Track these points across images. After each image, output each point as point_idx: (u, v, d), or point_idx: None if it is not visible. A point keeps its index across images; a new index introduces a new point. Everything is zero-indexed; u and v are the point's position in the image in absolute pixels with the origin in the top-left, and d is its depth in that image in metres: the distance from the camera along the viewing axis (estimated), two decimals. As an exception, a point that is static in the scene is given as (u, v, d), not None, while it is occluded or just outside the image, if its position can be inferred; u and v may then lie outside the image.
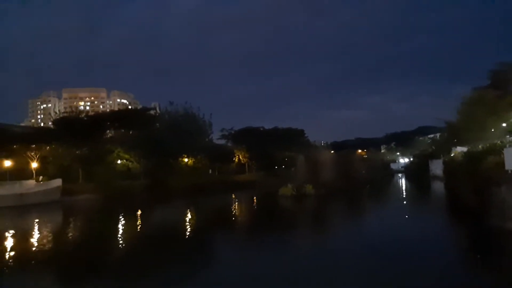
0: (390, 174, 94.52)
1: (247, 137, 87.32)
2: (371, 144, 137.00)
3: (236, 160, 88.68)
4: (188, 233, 23.81)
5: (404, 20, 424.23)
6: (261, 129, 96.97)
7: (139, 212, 36.37)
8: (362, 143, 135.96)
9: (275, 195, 42.40)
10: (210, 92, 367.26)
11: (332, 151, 76.76)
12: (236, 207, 39.35)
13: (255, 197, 48.83)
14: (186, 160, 76.38)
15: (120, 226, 28.50)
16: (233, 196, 50.24)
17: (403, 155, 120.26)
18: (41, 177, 57.05)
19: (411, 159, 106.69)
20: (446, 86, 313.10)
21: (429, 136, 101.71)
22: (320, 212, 31.67)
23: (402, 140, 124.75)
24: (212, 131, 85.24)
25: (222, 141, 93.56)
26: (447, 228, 21.43)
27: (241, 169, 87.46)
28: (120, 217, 33.36)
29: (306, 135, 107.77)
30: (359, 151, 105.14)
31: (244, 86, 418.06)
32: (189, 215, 33.24)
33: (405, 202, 38.67)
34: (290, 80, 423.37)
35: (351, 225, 23.40)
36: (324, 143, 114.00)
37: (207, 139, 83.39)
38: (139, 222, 30.60)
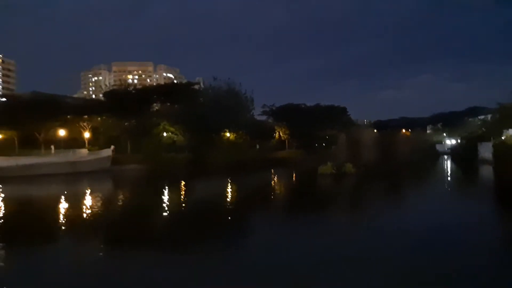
0: (435, 156, 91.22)
1: (288, 114, 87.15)
2: (416, 124, 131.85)
3: (277, 136, 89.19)
4: (227, 207, 24.72)
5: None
6: (303, 106, 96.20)
7: (182, 184, 38.03)
8: (407, 122, 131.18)
9: (315, 173, 42.49)
10: (253, 68, 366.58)
11: (375, 130, 75.10)
12: (276, 184, 40.02)
13: (294, 174, 49.29)
14: (227, 135, 77.88)
15: (164, 196, 30.07)
16: (273, 173, 50.94)
17: (450, 136, 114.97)
18: (89, 147, 60.53)
19: (459, 141, 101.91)
20: (501, 67, 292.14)
21: (479, 117, 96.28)
22: (360, 192, 31.42)
23: (449, 121, 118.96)
24: (254, 107, 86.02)
25: (263, 118, 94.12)
26: (496, 217, 20.20)
27: (281, 146, 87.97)
28: (165, 187, 35.10)
29: (348, 113, 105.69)
30: (403, 130, 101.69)
31: (287, 64, 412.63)
32: (229, 189, 34.32)
33: (450, 186, 37.53)
34: (334, 58, 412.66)
35: (393, 207, 22.80)
36: (367, 122, 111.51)
37: (248, 115, 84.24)
38: (182, 193, 32.09)
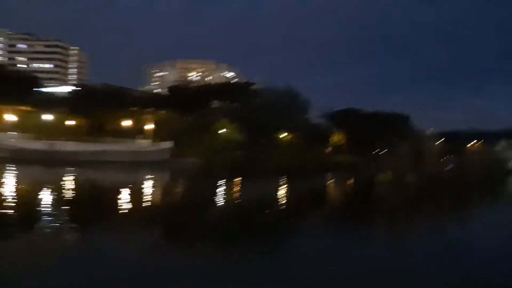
0: (508, 172, 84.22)
1: (347, 118, 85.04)
2: (487, 136, 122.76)
3: (333, 141, 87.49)
4: (280, 207, 24.41)
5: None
6: (362, 111, 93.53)
7: (237, 181, 38.43)
8: (476, 135, 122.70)
9: (373, 180, 41.10)
10: (312, 72, 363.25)
11: (440, 141, 70.91)
12: (331, 189, 39.11)
13: (350, 181, 47.90)
14: (283, 136, 77.74)
15: (218, 190, 30.51)
16: (328, 178, 49.89)
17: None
18: (141, 136, 63.17)
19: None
20: None
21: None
22: (420, 205, 29.72)
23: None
24: (310, 110, 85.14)
25: (320, 121, 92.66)
26: None
27: (338, 151, 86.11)
28: (220, 182, 35.63)
29: (412, 122, 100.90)
30: (472, 143, 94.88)
31: (350, 69, 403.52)
32: (283, 191, 34.08)
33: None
34: (402, 64, 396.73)
35: (458, 226, 20.93)
36: (431, 132, 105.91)
37: (304, 118, 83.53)
38: (235, 189, 32.39)
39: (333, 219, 20.81)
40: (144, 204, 21.07)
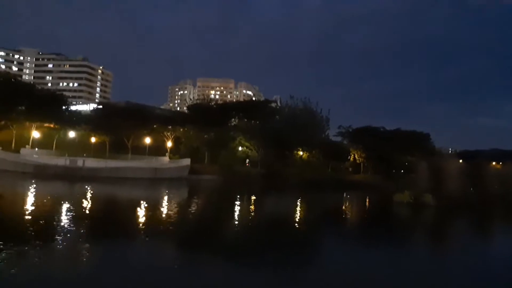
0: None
1: (366, 136, 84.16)
2: (510, 157, 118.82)
3: (352, 159, 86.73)
4: (296, 225, 24.47)
5: None
6: (381, 129, 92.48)
7: (253, 198, 38.67)
8: (499, 155, 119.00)
9: (390, 200, 40.50)
10: (333, 88, 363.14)
11: (461, 160, 69.23)
12: (347, 208, 38.79)
13: (367, 200, 47.43)
14: (301, 153, 77.68)
15: (236, 207, 30.73)
16: (345, 196, 49.55)
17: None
18: (167, 154, 64.70)
19: None
20: None
21: None
22: (439, 227, 29.15)
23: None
24: (329, 127, 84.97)
25: (339, 138, 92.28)
26: None
27: (356, 169, 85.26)
28: (237, 200, 35.95)
29: (431, 140, 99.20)
30: (494, 163, 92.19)
31: (368, 84, 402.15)
32: (300, 208, 34.08)
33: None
34: (419, 80, 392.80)
35: (479, 249, 20.54)
36: (452, 151, 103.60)
37: (323, 135, 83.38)
38: (252, 207, 32.57)
39: (341, 239, 20.69)
40: (155, 222, 21.46)
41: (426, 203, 37.86)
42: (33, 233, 15.67)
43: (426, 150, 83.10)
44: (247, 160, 70.80)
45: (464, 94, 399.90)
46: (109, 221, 20.48)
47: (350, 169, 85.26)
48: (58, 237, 15.21)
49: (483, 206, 40.05)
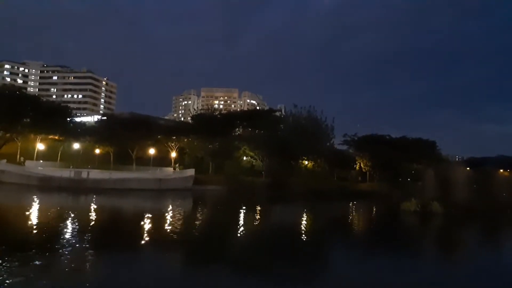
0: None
1: (371, 144, 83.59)
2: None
3: (357, 167, 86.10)
4: (302, 236, 24.00)
5: None
6: (387, 137, 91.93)
7: (259, 208, 38.23)
8: (506, 161, 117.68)
9: (397, 209, 39.98)
10: (337, 96, 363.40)
11: (468, 168, 68.46)
12: (353, 217, 38.31)
13: (374, 208, 46.88)
14: (306, 162, 77.21)
15: (240, 218, 30.33)
16: (351, 205, 49.00)
17: None
18: (177, 166, 64.60)
19: None
20: None
21: None
22: (449, 235, 28.61)
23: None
24: (334, 135, 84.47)
25: (344, 147, 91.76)
26: None
27: (362, 178, 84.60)
28: (242, 210, 35.51)
29: (438, 148, 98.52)
30: (501, 170, 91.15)
31: (373, 91, 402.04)
32: (305, 218, 33.63)
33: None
34: (425, 87, 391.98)
35: (493, 258, 19.93)
36: (458, 158, 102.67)
37: (328, 144, 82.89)
38: (258, 217, 32.16)
39: (347, 249, 20.28)
40: (160, 235, 21.14)
41: (434, 212, 37.36)
42: (42, 246, 15.43)
43: (433, 157, 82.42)
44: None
45: (471, 100, 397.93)
46: (118, 233, 20.32)
47: (360, 178, 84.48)
48: (68, 248, 15.02)
49: (492, 214, 39.41)
